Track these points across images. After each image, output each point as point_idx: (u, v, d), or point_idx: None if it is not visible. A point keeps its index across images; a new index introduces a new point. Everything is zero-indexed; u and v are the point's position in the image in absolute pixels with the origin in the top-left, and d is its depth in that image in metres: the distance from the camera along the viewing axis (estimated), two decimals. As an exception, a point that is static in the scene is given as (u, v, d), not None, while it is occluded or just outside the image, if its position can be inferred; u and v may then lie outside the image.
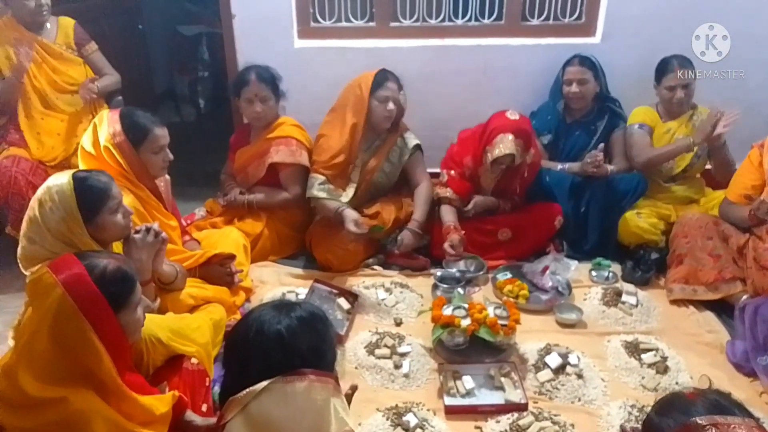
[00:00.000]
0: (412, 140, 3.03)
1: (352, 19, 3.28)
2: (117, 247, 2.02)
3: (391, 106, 2.82)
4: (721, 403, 1.09)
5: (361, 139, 2.87)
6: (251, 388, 1.20)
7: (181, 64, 5.12)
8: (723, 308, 2.55)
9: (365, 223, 2.75)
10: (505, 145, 2.68)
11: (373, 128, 2.90)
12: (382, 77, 2.84)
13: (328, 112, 2.98)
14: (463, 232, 2.79)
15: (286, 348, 1.25)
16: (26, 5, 2.77)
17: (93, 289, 1.37)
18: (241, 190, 3.02)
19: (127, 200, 2.11)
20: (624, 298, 2.58)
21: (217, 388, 1.82)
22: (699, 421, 1.04)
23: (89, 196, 1.83)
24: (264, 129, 3.00)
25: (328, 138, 2.90)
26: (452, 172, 2.95)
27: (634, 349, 2.31)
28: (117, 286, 1.43)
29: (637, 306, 2.55)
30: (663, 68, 2.93)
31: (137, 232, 1.98)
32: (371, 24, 3.29)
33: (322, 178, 2.86)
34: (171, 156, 2.38)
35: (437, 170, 3.06)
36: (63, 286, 1.35)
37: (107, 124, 2.26)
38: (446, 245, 2.73)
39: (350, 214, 2.72)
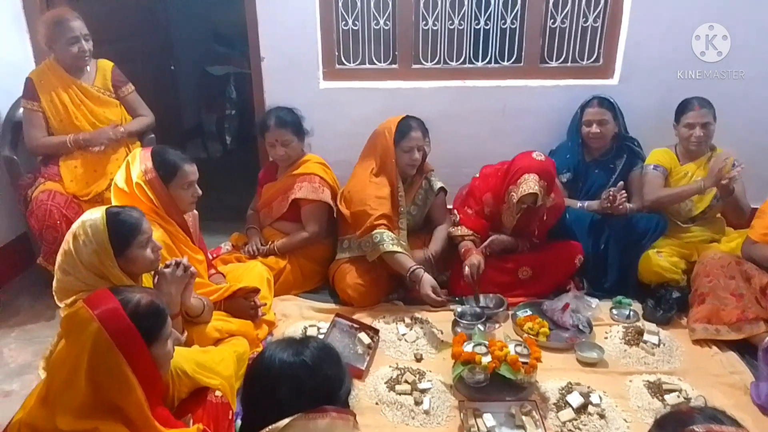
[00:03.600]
0: (437, 183, 3.09)
1: (376, 62, 3.39)
2: (146, 280, 2.09)
3: (416, 155, 2.88)
4: (718, 416, 1.14)
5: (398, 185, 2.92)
6: (274, 425, 1.22)
7: (209, 102, 5.30)
8: (746, 349, 2.51)
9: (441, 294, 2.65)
10: (529, 185, 2.69)
11: (400, 173, 2.96)
12: (406, 127, 2.88)
13: (361, 158, 3.02)
14: (481, 252, 2.80)
15: (309, 378, 1.28)
16: (69, 50, 2.89)
17: (128, 323, 1.42)
18: (258, 245, 3.06)
19: (157, 235, 2.18)
20: (646, 337, 2.57)
21: (239, 422, 1.85)
22: (696, 429, 1.08)
23: (121, 230, 1.90)
24: (290, 166, 3.08)
25: (376, 186, 2.88)
26: (469, 210, 2.97)
27: (656, 390, 2.28)
28: (150, 320, 1.48)
29: (659, 345, 2.53)
30: (683, 107, 2.96)
31: (167, 266, 2.05)
32: (394, 66, 3.39)
33: (390, 233, 2.79)
34: (199, 192, 2.47)
35: (454, 207, 3.11)
36: (99, 321, 1.40)
37: (140, 161, 2.36)
38: (465, 266, 2.72)
39: (428, 280, 2.65)
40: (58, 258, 1.94)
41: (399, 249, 2.76)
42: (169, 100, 4.48)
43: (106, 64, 3.10)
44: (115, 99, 3.09)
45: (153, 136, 3.23)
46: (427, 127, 2.98)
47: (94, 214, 1.93)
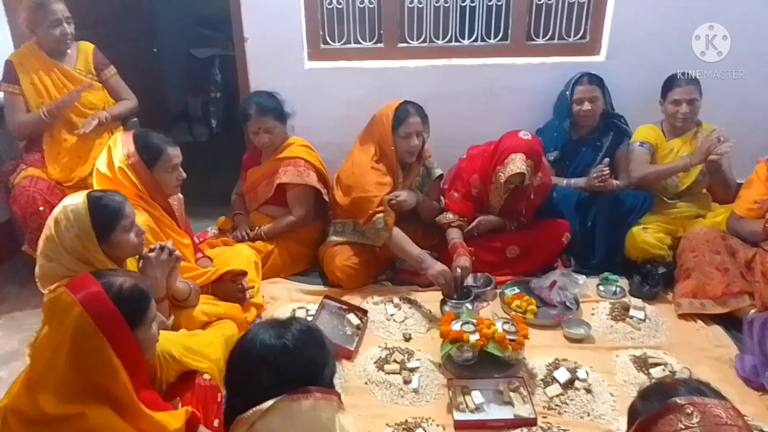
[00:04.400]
0: (435, 171, 3.07)
1: (361, 41, 3.35)
2: (131, 264, 2.07)
3: (414, 141, 2.84)
4: (701, 388, 1.15)
5: (398, 171, 2.90)
6: (257, 407, 1.22)
7: (194, 85, 5.24)
8: (731, 322, 2.55)
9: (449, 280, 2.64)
10: (516, 164, 2.68)
11: (399, 160, 2.93)
12: (404, 113, 2.83)
13: (359, 142, 2.97)
14: (471, 249, 2.79)
15: (290, 362, 1.27)
16: (52, 33, 2.84)
17: (110, 306, 1.41)
18: (247, 230, 3.05)
19: (142, 219, 2.17)
20: (632, 312, 2.59)
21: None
22: (679, 401, 1.10)
23: (103, 215, 1.89)
24: (274, 150, 3.06)
25: (378, 173, 2.85)
26: (455, 193, 2.96)
27: (642, 364, 2.31)
28: (133, 303, 1.47)
29: (645, 321, 2.56)
30: (669, 83, 2.96)
31: (152, 250, 2.04)
32: (379, 45, 3.36)
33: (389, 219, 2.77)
34: (184, 175, 2.44)
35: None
36: (81, 305, 1.38)
37: (121, 145, 2.33)
38: (454, 269, 2.65)
39: (437, 266, 2.65)
40: (41, 244, 1.92)
41: (401, 237, 2.75)
42: (153, 83, 4.43)
43: (88, 47, 3.05)
44: (97, 82, 3.04)
45: (136, 119, 3.20)
46: (428, 117, 2.92)
47: (76, 199, 1.90)
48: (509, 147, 2.73)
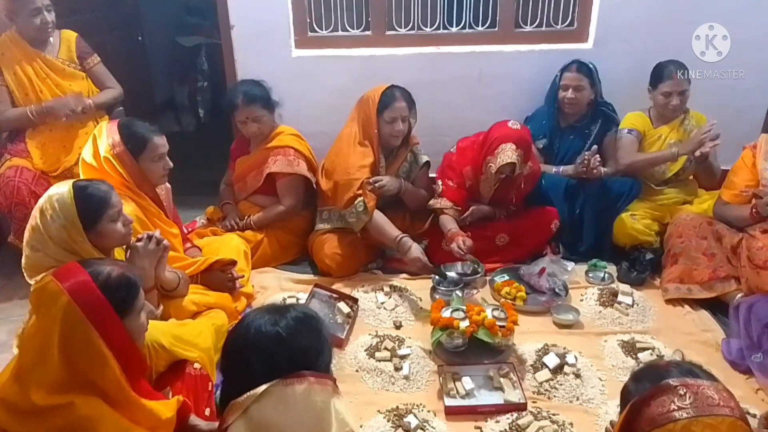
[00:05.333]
0: (422, 157, 3.06)
1: (349, 28, 3.32)
2: (119, 254, 2.06)
3: (399, 126, 2.82)
4: (693, 370, 1.17)
5: (380, 155, 2.89)
6: (251, 391, 1.22)
7: (180, 74, 5.18)
8: (718, 307, 2.58)
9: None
10: (507, 154, 2.67)
11: (384, 144, 2.92)
12: (390, 97, 2.82)
13: (346, 125, 2.96)
14: (469, 234, 2.77)
15: (282, 350, 1.27)
16: (32, 22, 2.79)
17: (98, 295, 1.39)
18: (236, 220, 3.04)
19: (129, 209, 2.15)
20: (620, 298, 2.61)
21: (219, 393, 1.85)
22: (671, 383, 1.11)
23: (89, 204, 1.87)
24: (263, 140, 3.04)
25: (360, 155, 2.84)
26: (450, 182, 2.95)
27: (630, 349, 2.33)
28: (121, 291, 1.45)
29: (633, 306, 2.58)
30: (659, 73, 2.95)
31: (139, 240, 2.02)
32: (367, 33, 3.33)
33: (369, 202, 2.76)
34: (170, 164, 2.42)
35: (435, 176, 3.10)
36: (69, 294, 1.37)
37: (106, 135, 2.30)
38: (454, 246, 2.66)
39: (417, 247, 2.67)
40: (26, 234, 1.90)
41: (381, 218, 2.74)
42: (138, 72, 4.37)
43: (70, 35, 3.01)
44: (80, 71, 3.01)
45: (122, 108, 3.16)
46: (414, 102, 2.91)
47: (61, 188, 1.88)
48: (499, 137, 2.73)
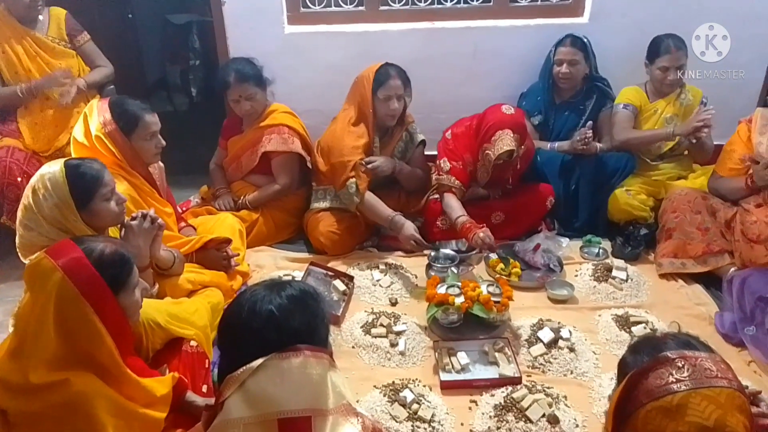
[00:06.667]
0: (418, 136, 3.03)
1: (342, 4, 3.28)
2: (113, 233, 2.05)
3: (394, 105, 2.79)
4: (691, 342, 1.17)
5: (373, 135, 2.86)
6: (248, 365, 1.22)
7: (172, 53, 5.11)
8: (711, 281, 2.60)
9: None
10: (505, 141, 2.63)
11: (379, 124, 2.89)
12: (384, 75, 2.78)
13: (343, 107, 2.92)
14: (483, 225, 2.69)
15: (280, 326, 1.27)
16: (21, 0, 2.76)
17: (92, 271, 1.39)
18: (233, 198, 3.03)
19: (122, 188, 2.14)
20: (614, 273, 2.63)
21: (216, 371, 1.86)
22: (669, 355, 1.11)
23: (81, 182, 1.85)
24: (256, 118, 3.01)
25: (354, 136, 2.81)
26: (455, 163, 2.88)
27: (624, 323, 2.35)
28: (115, 268, 1.45)
29: (627, 281, 2.60)
30: (657, 48, 2.93)
31: (134, 218, 2.01)
32: (361, 8, 3.29)
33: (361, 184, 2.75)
34: (163, 142, 2.40)
35: (431, 152, 3.08)
36: (62, 270, 1.37)
37: (97, 113, 2.28)
38: (479, 241, 2.59)
39: (410, 224, 2.67)
40: (19, 213, 1.89)
41: (373, 199, 2.73)
42: (129, 51, 4.33)
43: (59, 12, 2.97)
44: (71, 49, 2.97)
45: (113, 87, 3.12)
46: (410, 80, 2.86)
47: (53, 167, 1.87)
48: (494, 123, 2.68)
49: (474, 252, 2.77)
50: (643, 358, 1.16)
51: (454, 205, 2.79)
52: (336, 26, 3.28)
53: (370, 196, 2.77)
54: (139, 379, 1.53)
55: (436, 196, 2.91)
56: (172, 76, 5.21)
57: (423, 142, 3.06)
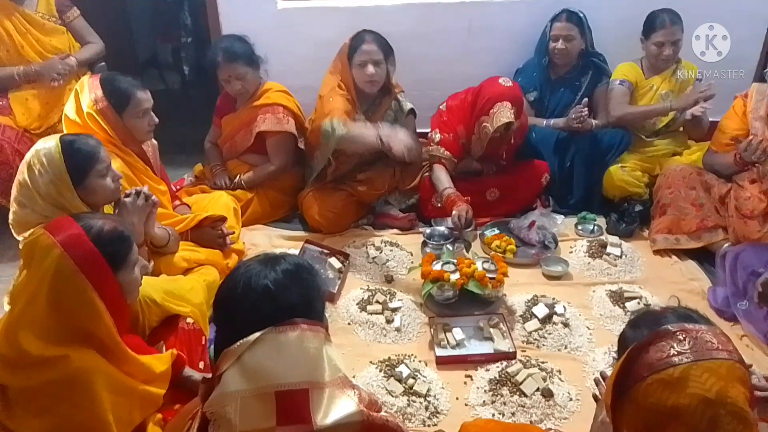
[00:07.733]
0: (406, 104, 2.98)
1: (336, -22, 3.24)
2: (108, 210, 2.04)
3: (370, 69, 2.71)
4: (691, 315, 1.17)
5: (357, 103, 2.81)
6: (244, 339, 1.22)
7: (163, 30, 5.04)
8: (705, 257, 2.62)
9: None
10: (504, 114, 2.60)
11: (359, 92, 2.83)
12: (359, 40, 2.73)
13: (325, 76, 2.88)
14: (468, 198, 2.71)
15: (276, 300, 1.27)
16: None
17: (91, 248, 1.39)
18: (226, 181, 3.00)
19: (115, 165, 2.11)
20: (609, 249, 2.64)
21: (213, 348, 1.86)
22: (670, 328, 1.11)
23: (77, 158, 1.84)
24: (250, 97, 2.97)
25: (341, 100, 2.73)
26: (447, 135, 2.88)
27: (618, 298, 2.37)
28: (114, 245, 1.45)
29: (621, 257, 2.61)
30: (652, 23, 2.91)
31: (127, 195, 2.00)
32: (355, -18, 3.25)
33: (338, 118, 2.60)
34: (156, 119, 2.37)
35: (425, 130, 3.06)
36: (62, 246, 1.36)
37: (88, 90, 2.25)
38: (455, 216, 2.61)
39: (403, 131, 2.51)
40: (14, 190, 1.88)
41: (354, 126, 2.58)
42: (119, 28, 4.25)
43: (48, -13, 2.91)
44: (61, 26, 2.93)
45: (104, 64, 3.09)
46: (392, 49, 2.83)
47: (48, 143, 1.85)
48: (492, 96, 2.66)
49: (469, 229, 2.77)
50: (644, 332, 1.15)
51: (441, 177, 2.78)
52: (329, 2, 3.24)
53: (352, 124, 2.63)
54: (137, 357, 1.53)
55: None
56: (163, 54, 5.14)
57: (412, 111, 3.00)
